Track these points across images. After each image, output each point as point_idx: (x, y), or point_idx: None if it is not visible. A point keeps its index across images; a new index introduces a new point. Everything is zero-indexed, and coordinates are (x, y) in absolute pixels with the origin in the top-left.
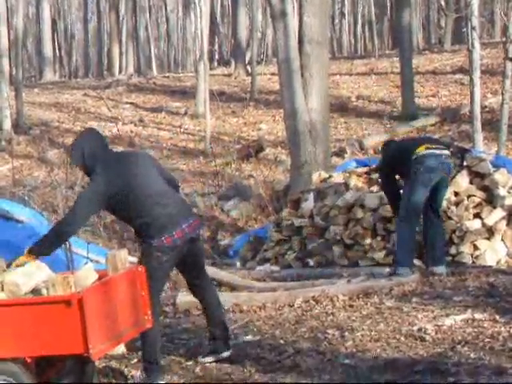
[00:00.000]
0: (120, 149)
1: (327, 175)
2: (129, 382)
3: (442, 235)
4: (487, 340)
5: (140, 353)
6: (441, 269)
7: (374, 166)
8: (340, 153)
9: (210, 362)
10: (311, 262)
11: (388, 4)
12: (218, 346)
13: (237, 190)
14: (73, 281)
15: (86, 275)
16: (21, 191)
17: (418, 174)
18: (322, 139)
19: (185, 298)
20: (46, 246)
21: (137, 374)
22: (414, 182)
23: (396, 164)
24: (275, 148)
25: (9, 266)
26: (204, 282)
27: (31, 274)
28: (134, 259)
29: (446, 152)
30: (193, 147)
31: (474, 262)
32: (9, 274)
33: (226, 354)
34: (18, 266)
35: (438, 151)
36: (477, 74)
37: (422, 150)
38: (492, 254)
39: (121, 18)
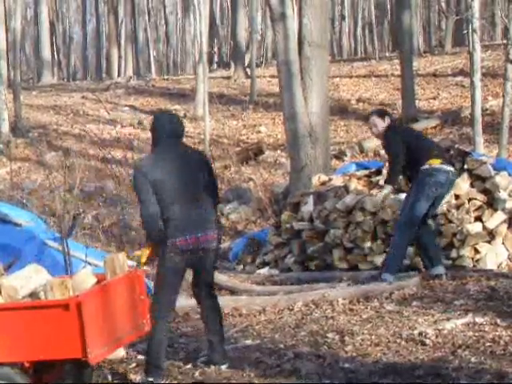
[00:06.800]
0: (119, 151)
1: (327, 178)
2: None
3: (433, 236)
4: (488, 344)
5: (139, 356)
6: (439, 269)
7: (374, 169)
8: (340, 156)
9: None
10: (311, 266)
11: (388, 6)
12: (216, 357)
13: (236, 193)
14: (71, 285)
15: (85, 279)
16: (19, 194)
17: (426, 187)
18: (322, 142)
19: (184, 301)
20: (149, 234)
21: (137, 378)
22: (421, 193)
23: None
24: (275, 151)
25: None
26: (206, 296)
27: (29, 278)
28: (133, 263)
29: (453, 169)
30: None
31: (474, 266)
32: (6, 277)
33: (224, 367)
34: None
35: (448, 167)
36: (477, 77)
37: (436, 163)
38: (493, 257)
39: (120, 21)
